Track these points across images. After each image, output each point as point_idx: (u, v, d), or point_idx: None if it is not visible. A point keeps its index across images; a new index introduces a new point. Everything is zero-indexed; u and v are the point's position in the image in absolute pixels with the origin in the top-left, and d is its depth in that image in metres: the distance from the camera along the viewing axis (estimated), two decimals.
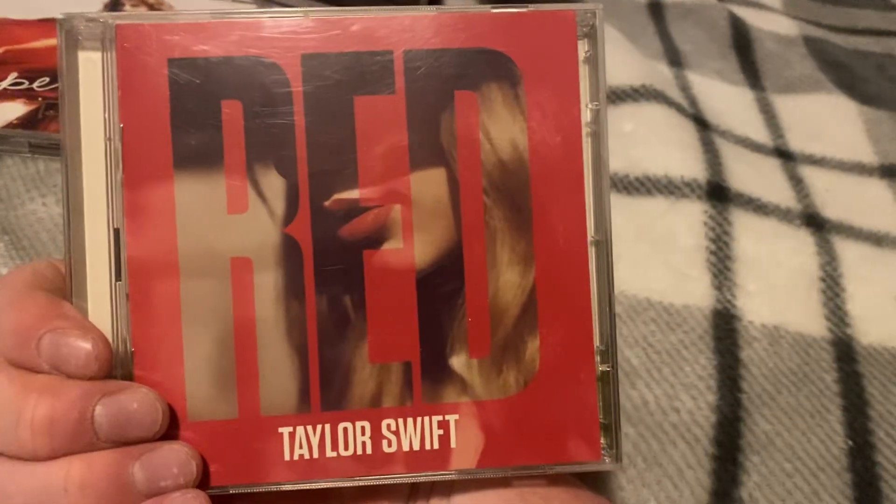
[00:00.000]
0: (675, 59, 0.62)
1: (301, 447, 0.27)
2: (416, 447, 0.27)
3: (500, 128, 0.27)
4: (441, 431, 0.27)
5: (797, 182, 0.52)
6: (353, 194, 0.27)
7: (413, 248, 0.27)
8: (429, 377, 0.27)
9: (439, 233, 0.27)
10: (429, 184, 0.27)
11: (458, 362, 0.27)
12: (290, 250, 0.27)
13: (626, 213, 0.46)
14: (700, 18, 0.66)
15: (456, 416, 0.27)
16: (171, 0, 0.55)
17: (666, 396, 0.40)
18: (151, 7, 0.54)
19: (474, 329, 0.27)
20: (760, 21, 0.67)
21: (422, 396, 0.27)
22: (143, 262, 0.26)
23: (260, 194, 0.26)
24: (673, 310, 0.43)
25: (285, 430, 0.27)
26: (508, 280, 0.27)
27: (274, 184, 0.27)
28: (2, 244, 0.40)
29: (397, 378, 0.27)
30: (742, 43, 0.64)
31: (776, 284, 0.45)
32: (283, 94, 0.27)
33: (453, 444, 0.27)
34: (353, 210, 0.27)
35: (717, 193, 0.48)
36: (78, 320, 0.25)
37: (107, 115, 0.26)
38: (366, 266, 0.27)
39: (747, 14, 0.68)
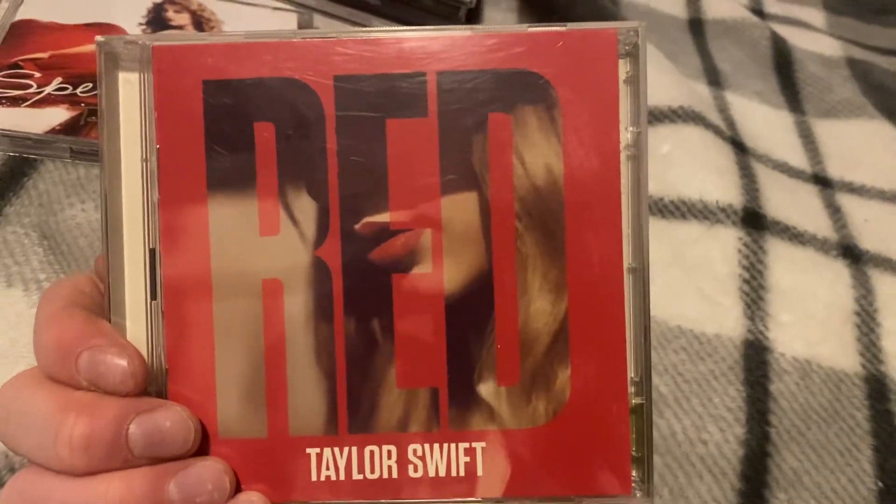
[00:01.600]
0: (714, 78, 0.61)
1: (328, 469, 0.27)
2: (442, 473, 0.27)
3: (535, 152, 0.27)
4: (468, 459, 0.27)
5: (835, 211, 0.51)
6: (384, 218, 0.27)
7: (443, 272, 0.27)
8: (456, 404, 0.27)
9: (469, 258, 0.27)
10: (460, 208, 0.27)
11: (486, 390, 0.27)
12: (320, 273, 0.27)
13: (659, 237, 0.46)
14: (741, 37, 0.65)
15: (483, 444, 0.27)
16: (213, 7, 0.56)
17: (694, 427, 0.39)
18: (194, 14, 0.55)
19: (503, 356, 0.27)
20: (803, 41, 0.66)
21: (449, 423, 0.27)
22: (178, 281, 0.27)
23: (291, 217, 0.27)
24: (704, 339, 0.43)
25: (313, 452, 0.27)
26: (539, 307, 0.27)
27: (305, 206, 0.27)
28: (41, 249, 0.41)
29: (424, 404, 0.27)
30: (783, 64, 0.63)
31: (810, 317, 0.44)
32: (316, 116, 0.27)
33: (480, 472, 0.27)
34: (384, 234, 0.27)
35: (753, 220, 0.47)
36: (115, 338, 0.26)
37: (144, 136, 0.27)
38: (395, 290, 0.27)
39: (790, 33, 0.67)
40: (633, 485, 0.27)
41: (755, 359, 0.42)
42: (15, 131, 0.44)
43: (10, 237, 0.40)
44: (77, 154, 0.45)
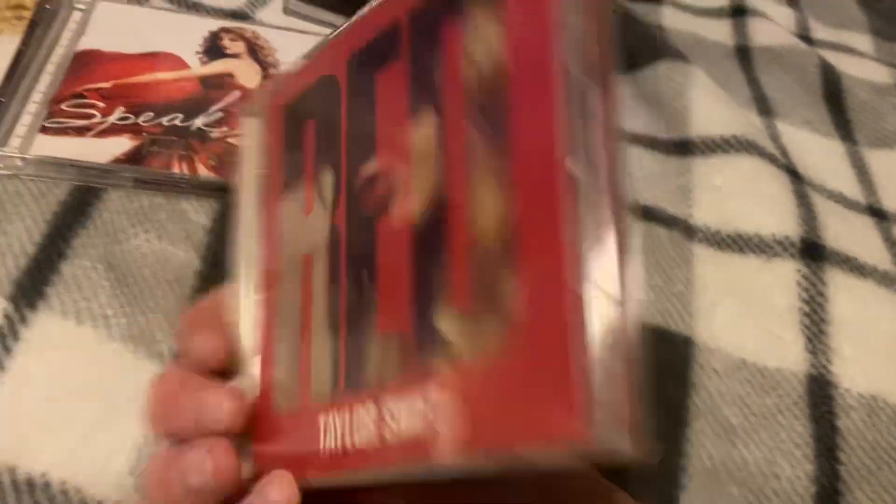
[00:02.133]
0: (763, 106, 0.61)
1: (332, 437, 0.25)
2: (409, 430, 0.22)
3: (481, 40, 0.23)
4: (429, 406, 0.22)
5: (892, 244, 0.50)
6: (373, 167, 0.26)
7: (410, 204, 0.24)
8: (420, 344, 0.23)
9: (429, 179, 0.24)
10: (423, 129, 0.24)
11: (444, 323, 0.22)
12: (334, 238, 0.27)
13: (717, 270, 0.46)
14: (789, 64, 0.65)
15: (442, 388, 0.22)
16: (266, 35, 0.56)
17: (766, 461, 0.39)
18: (249, 41, 0.55)
19: (456, 279, 0.22)
20: (852, 68, 0.66)
21: (414, 367, 0.23)
22: (268, 276, 0.30)
23: (319, 194, 0.28)
24: (767, 372, 0.42)
25: (322, 419, 0.25)
26: (490, 217, 0.22)
27: (328, 181, 0.28)
28: (107, 283, 0.41)
29: (396, 350, 0.24)
30: (833, 91, 0.63)
31: (873, 351, 0.44)
32: (336, 98, 0.28)
33: (440, 426, 0.21)
34: (373, 182, 0.26)
35: (812, 251, 0.47)
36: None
37: (258, 163, 0.32)
38: (378, 234, 0.25)
39: (838, 60, 0.66)
40: (595, 427, 0.17)
41: (819, 394, 0.42)
42: (81, 161, 0.44)
43: (78, 272, 0.41)
44: (140, 183, 0.45)
